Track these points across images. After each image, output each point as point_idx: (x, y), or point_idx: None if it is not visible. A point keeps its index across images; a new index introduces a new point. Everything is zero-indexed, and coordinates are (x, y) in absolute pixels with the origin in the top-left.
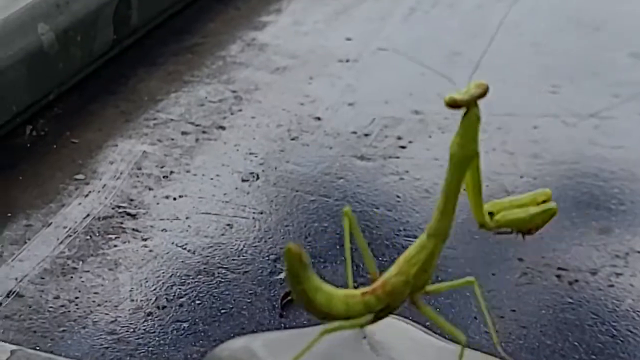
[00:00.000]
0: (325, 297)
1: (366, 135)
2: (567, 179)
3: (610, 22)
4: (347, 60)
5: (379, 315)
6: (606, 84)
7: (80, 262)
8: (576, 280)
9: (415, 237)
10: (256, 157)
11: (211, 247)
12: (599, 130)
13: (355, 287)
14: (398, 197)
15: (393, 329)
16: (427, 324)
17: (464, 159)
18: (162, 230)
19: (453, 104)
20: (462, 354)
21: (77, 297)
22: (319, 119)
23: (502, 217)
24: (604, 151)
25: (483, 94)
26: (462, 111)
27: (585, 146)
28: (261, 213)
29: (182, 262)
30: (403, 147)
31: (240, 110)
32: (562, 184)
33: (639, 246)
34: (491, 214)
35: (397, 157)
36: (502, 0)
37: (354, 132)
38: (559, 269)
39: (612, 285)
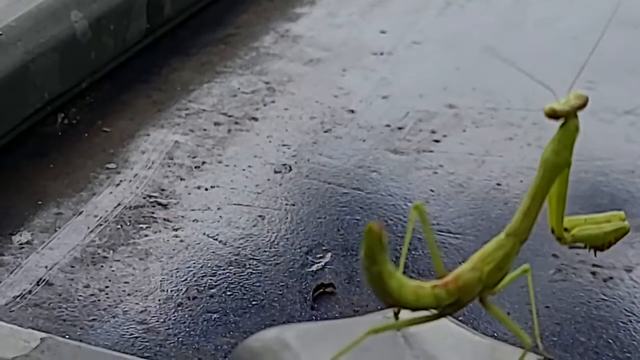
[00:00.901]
0: (397, 284)
1: (400, 128)
2: (603, 175)
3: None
4: (382, 53)
5: (445, 311)
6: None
7: (111, 251)
8: (611, 278)
9: (449, 231)
10: (289, 148)
11: (242, 238)
12: (635, 127)
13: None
14: (432, 191)
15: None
16: (461, 318)
17: (556, 167)
18: (193, 221)
19: (553, 115)
20: (523, 358)
21: (107, 287)
22: (352, 111)
23: (578, 232)
24: (639, 148)
25: (583, 105)
26: (559, 122)
27: (621, 143)
28: (293, 205)
29: (213, 253)
30: (437, 141)
31: (273, 101)
32: (597, 180)
33: None
34: (566, 229)
35: (431, 151)
36: None
37: (388, 126)
38: (594, 265)
39: None
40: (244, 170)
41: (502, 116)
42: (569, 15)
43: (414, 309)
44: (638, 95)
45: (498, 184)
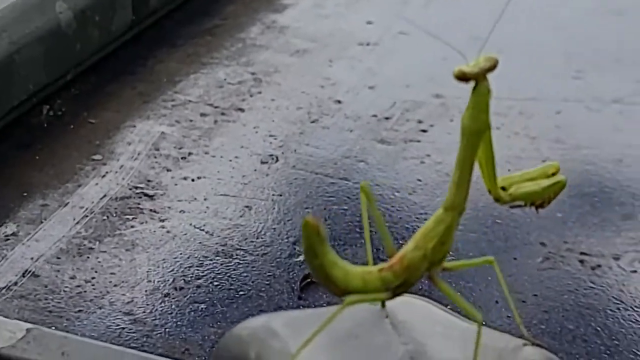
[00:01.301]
0: (342, 273)
1: (387, 118)
2: (591, 164)
3: (633, 7)
4: (368, 44)
5: (397, 292)
6: (630, 70)
7: (97, 243)
8: (599, 266)
9: None
10: (275, 139)
11: (229, 228)
12: (623, 116)
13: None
14: (419, 180)
15: (416, 309)
16: (448, 305)
17: (476, 133)
18: (180, 212)
19: (462, 77)
20: (479, 333)
21: (93, 278)
22: (339, 102)
23: (515, 190)
24: (627, 137)
25: (492, 67)
26: (471, 85)
27: (608, 132)
28: (280, 195)
29: (200, 243)
30: (424, 131)
31: (259, 92)
32: (585, 169)
33: None
34: (503, 188)
35: (418, 141)
36: None
37: (375, 116)
38: (582, 253)
39: (635, 271)
40: (230, 161)
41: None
42: (560, 6)
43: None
44: (625, 84)
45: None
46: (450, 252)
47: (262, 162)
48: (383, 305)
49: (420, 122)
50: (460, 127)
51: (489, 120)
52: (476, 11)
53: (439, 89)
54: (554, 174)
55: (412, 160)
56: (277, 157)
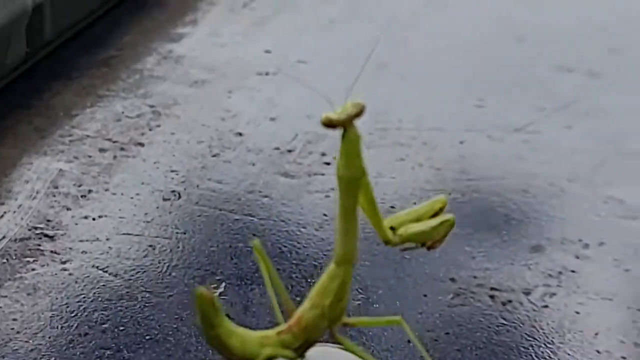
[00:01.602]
0: (240, 341)
1: (289, 151)
2: (496, 195)
3: (532, 33)
4: (267, 74)
5: (298, 352)
6: (531, 97)
7: None
8: (509, 301)
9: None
10: (177, 174)
11: (133, 269)
12: (527, 145)
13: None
14: (325, 215)
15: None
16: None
17: (353, 181)
18: (81, 253)
19: (329, 124)
20: None
21: None
22: (240, 134)
23: (405, 232)
24: (532, 166)
25: (359, 113)
26: (340, 131)
27: (513, 161)
28: (184, 233)
29: (104, 285)
30: (327, 164)
31: (158, 125)
32: (490, 200)
33: (572, 265)
34: (393, 228)
35: (322, 174)
36: (423, 12)
37: (277, 148)
38: (492, 289)
39: (546, 306)
40: (132, 198)
41: (392, 136)
42: (459, 32)
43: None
44: (527, 112)
45: (392, 207)
46: (359, 289)
47: (165, 199)
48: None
49: (323, 154)
50: (336, 177)
51: (363, 166)
52: (376, 37)
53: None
54: (441, 209)
55: (317, 194)
56: (179, 194)
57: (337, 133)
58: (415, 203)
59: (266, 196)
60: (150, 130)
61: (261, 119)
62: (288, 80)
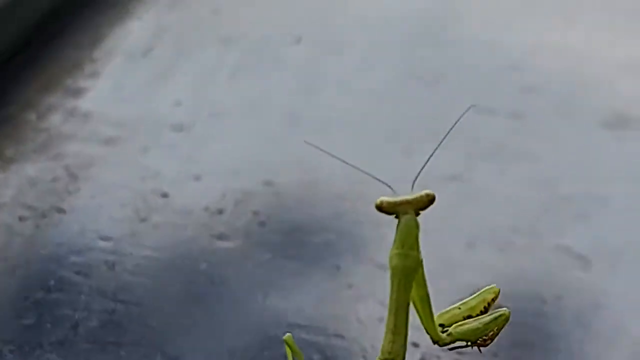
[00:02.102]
0: None
1: (220, 211)
2: (441, 248)
3: (444, 74)
4: (182, 128)
5: None
6: (457, 143)
7: None
8: None
9: (298, 324)
10: (107, 242)
11: None
12: (463, 195)
13: None
14: (268, 282)
15: None
16: None
17: (409, 271)
18: None
19: (380, 208)
20: None
21: None
22: (165, 195)
23: (455, 329)
24: (472, 218)
25: (423, 201)
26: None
27: (452, 213)
28: (124, 304)
29: None
30: (263, 224)
31: (77, 189)
32: (437, 256)
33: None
34: (442, 325)
35: (259, 236)
36: (330, 54)
37: (207, 209)
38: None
39: None
40: None
41: (323, 191)
42: (366, 74)
43: None
44: (456, 159)
45: (337, 266)
46: None
47: (101, 268)
48: None
49: (255, 213)
50: (389, 267)
51: (420, 257)
52: (284, 84)
53: (268, 175)
54: (494, 300)
55: (257, 258)
56: (113, 264)
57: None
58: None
59: (205, 261)
60: (69, 194)
61: (184, 178)
62: (204, 134)
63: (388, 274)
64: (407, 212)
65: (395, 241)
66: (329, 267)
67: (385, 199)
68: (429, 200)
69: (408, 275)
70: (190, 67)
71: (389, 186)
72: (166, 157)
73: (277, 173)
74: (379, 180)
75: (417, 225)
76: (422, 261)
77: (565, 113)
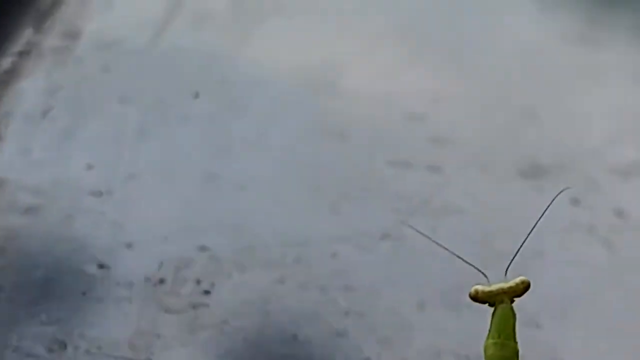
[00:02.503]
0: None
1: (161, 281)
2: (390, 309)
3: (350, 129)
4: (101, 193)
5: None
6: (382, 200)
7: None
8: None
9: None
10: (51, 322)
11: None
12: (401, 253)
13: None
14: (223, 352)
15: None
16: None
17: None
18: None
19: (474, 298)
20: None
21: None
22: (101, 266)
23: None
24: (416, 278)
25: (514, 289)
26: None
27: (395, 273)
28: None
29: None
30: (208, 292)
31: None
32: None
33: None
34: None
35: (207, 305)
36: (232, 111)
37: (148, 279)
38: None
39: None
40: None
41: (261, 255)
42: (274, 129)
43: None
44: (384, 216)
45: (294, 335)
46: None
47: (50, 350)
48: None
49: (198, 282)
50: (485, 357)
51: (517, 347)
52: (194, 142)
53: (202, 239)
54: None
55: (210, 329)
56: (65, 344)
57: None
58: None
59: (157, 335)
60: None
61: (117, 247)
62: (125, 199)
63: None
64: (503, 300)
65: (491, 330)
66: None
67: (481, 288)
68: (524, 287)
69: None
70: (94, 128)
71: (484, 274)
72: (91, 224)
73: (209, 237)
74: (476, 268)
75: (513, 315)
76: (518, 352)
77: (480, 164)
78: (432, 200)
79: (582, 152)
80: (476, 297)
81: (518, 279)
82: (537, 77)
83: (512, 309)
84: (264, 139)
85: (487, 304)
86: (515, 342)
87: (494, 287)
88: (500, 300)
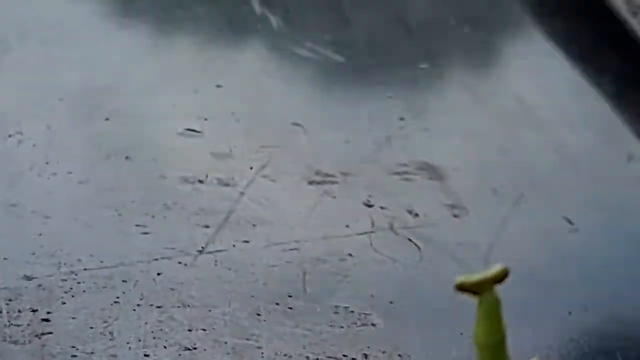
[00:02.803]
0: None
1: None
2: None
3: (125, 149)
4: None
5: None
6: (187, 216)
7: None
8: None
9: None
10: None
11: None
12: (225, 267)
13: None
14: None
15: None
16: None
17: (495, 346)
18: None
19: (461, 289)
20: None
21: None
22: None
23: None
24: (252, 288)
25: (498, 276)
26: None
27: (223, 287)
28: None
29: None
30: (47, 320)
31: None
32: None
33: None
34: None
35: (49, 334)
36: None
37: None
38: None
39: None
40: None
41: (89, 279)
42: (56, 158)
43: None
44: (195, 231)
45: (146, 355)
46: None
47: None
48: None
49: (34, 311)
50: (476, 344)
51: (504, 330)
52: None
53: (24, 269)
54: None
55: (60, 356)
56: None
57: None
58: (165, 348)
59: None
60: None
61: None
62: None
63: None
64: (488, 289)
65: (479, 319)
66: None
67: (466, 279)
68: (505, 274)
69: (495, 349)
70: None
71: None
72: None
73: (30, 267)
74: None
75: (499, 302)
76: (505, 334)
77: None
78: (236, 210)
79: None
80: (462, 288)
81: (498, 267)
82: None
83: (497, 296)
84: (51, 166)
85: (472, 294)
86: (504, 328)
87: (478, 277)
88: (486, 289)
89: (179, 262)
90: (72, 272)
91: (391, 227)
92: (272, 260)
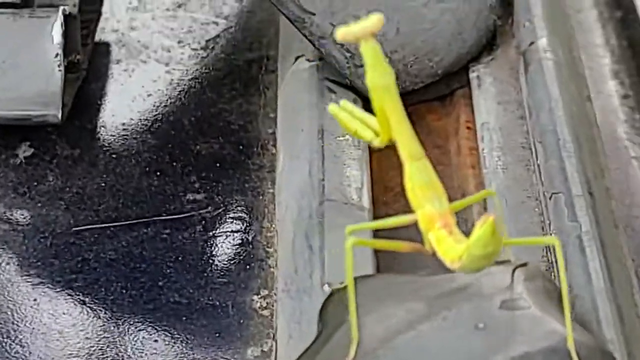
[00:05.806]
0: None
1: None
2: None
3: None
4: None
5: None
6: None
7: None
8: None
9: None
10: None
11: None
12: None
13: None
14: None
15: None
16: None
17: (387, 84)
18: None
19: (345, 39)
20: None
21: None
22: None
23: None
24: None
25: (375, 25)
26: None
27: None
28: None
29: None
30: None
31: None
32: None
33: None
34: None
35: None
36: None
37: None
38: None
39: None
40: None
41: None
42: None
43: None
44: None
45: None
46: None
47: None
48: None
49: None
50: (371, 88)
51: (389, 67)
52: None
53: None
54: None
55: None
56: None
57: None
58: None
59: None
60: None
61: None
62: None
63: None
64: (368, 37)
65: (366, 65)
66: None
67: (345, 30)
68: (381, 22)
69: (389, 87)
70: None
71: None
72: None
73: None
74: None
75: (378, 46)
76: (392, 71)
77: None
78: None
79: None
80: (344, 39)
81: (373, 17)
82: None
83: (375, 41)
84: None
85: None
86: (389, 67)
87: (356, 27)
88: (365, 38)
89: None
90: None
91: None
92: None
